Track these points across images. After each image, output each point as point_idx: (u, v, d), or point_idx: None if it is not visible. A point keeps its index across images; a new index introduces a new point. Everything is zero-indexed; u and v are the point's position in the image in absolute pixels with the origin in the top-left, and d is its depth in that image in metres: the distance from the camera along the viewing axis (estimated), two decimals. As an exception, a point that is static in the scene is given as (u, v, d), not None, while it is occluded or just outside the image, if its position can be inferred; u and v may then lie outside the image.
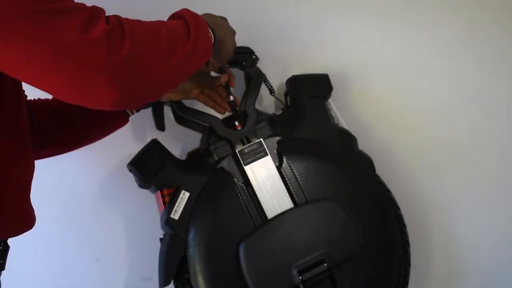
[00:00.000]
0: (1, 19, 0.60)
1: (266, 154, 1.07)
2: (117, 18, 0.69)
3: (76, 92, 0.65)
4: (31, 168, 0.88)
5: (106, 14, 0.68)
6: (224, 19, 1.01)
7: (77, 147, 1.13)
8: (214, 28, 0.88)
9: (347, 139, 1.14)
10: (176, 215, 1.04)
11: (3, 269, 0.84)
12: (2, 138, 0.78)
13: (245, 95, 1.12)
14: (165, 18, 0.98)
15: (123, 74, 0.66)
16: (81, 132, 1.10)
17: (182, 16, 0.81)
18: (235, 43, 1.01)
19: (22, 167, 0.84)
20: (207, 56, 0.85)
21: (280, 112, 1.18)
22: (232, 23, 1.01)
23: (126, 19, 0.70)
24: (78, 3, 0.67)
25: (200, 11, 1.23)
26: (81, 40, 0.62)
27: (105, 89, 0.64)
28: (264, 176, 1.06)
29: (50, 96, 1.09)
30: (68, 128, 1.07)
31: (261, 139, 1.08)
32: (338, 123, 1.17)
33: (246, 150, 1.07)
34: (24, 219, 0.85)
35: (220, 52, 0.94)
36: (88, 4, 0.67)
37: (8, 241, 0.84)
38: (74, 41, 0.62)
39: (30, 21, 0.61)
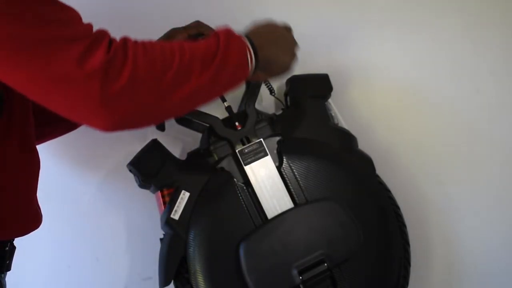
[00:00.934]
0: (2, 48, 0.61)
1: (266, 154, 1.07)
2: (124, 42, 0.67)
3: (72, 117, 0.67)
4: (37, 168, 0.88)
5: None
6: (286, 29, 0.94)
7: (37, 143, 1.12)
8: (260, 48, 0.81)
9: (347, 139, 1.14)
10: (176, 215, 1.04)
11: (9, 269, 0.84)
12: (11, 142, 0.78)
13: (245, 95, 1.12)
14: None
15: (119, 105, 0.65)
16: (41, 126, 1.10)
17: (218, 36, 0.76)
18: (290, 58, 0.91)
19: (29, 167, 0.85)
20: (234, 85, 0.80)
21: (280, 112, 1.18)
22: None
23: (136, 42, 0.68)
24: (81, 28, 0.66)
25: (199, 11, 1.24)
26: (76, 73, 0.62)
27: (98, 119, 0.65)
28: (264, 176, 1.06)
29: None
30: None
31: (261, 139, 1.08)
32: (338, 123, 1.17)
33: (246, 150, 1.07)
34: (31, 220, 0.86)
35: (267, 70, 0.88)
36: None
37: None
38: (69, 74, 0.62)
39: (29, 51, 0.61)
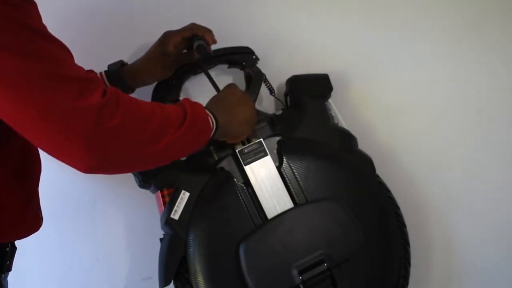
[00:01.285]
0: (4, 74, 0.62)
1: (266, 154, 1.07)
2: (116, 91, 0.71)
3: (55, 151, 0.68)
4: (39, 170, 0.88)
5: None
6: (244, 93, 1.03)
7: None
8: (218, 112, 0.90)
9: (347, 139, 1.14)
10: (176, 215, 1.04)
11: (10, 270, 0.84)
12: (13, 147, 0.78)
13: (245, 95, 1.12)
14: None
15: (106, 143, 0.68)
16: None
17: (183, 105, 0.84)
18: (246, 119, 1.00)
19: (30, 170, 0.85)
20: (203, 140, 0.87)
21: (280, 112, 1.18)
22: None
23: (125, 94, 0.73)
24: (77, 69, 0.69)
25: (199, 12, 1.24)
26: (73, 107, 0.65)
27: (82, 154, 0.67)
28: (264, 176, 1.06)
29: None
30: None
31: (261, 139, 1.08)
32: (338, 123, 1.17)
33: (246, 150, 1.07)
34: (31, 223, 0.86)
35: (230, 131, 0.97)
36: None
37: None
38: (66, 107, 0.64)
39: (31, 82, 0.63)
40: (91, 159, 0.67)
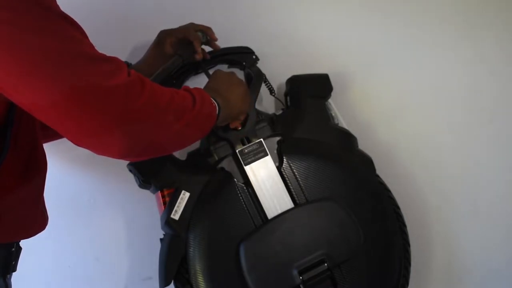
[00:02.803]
0: (32, 55, 0.61)
1: (266, 154, 1.07)
2: (138, 74, 0.72)
3: (88, 137, 0.67)
4: (44, 171, 0.88)
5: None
6: (231, 74, 1.03)
7: None
8: (216, 97, 0.92)
9: (347, 139, 1.15)
10: (176, 215, 1.04)
11: (15, 270, 0.84)
12: (21, 150, 0.78)
13: (245, 95, 1.12)
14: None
15: (138, 123, 0.68)
16: None
17: (188, 90, 0.85)
18: (240, 97, 1.01)
19: (37, 170, 0.85)
20: (211, 122, 0.89)
21: (280, 112, 1.18)
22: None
23: (146, 78, 0.74)
24: (99, 52, 0.69)
25: (200, 11, 1.24)
26: (104, 87, 0.65)
27: (118, 138, 0.67)
28: (264, 176, 1.06)
29: None
30: None
31: (261, 139, 1.08)
32: (338, 123, 1.17)
33: (246, 150, 1.07)
34: (37, 222, 0.86)
35: (230, 112, 0.98)
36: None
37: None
38: (97, 87, 0.64)
39: (63, 63, 0.62)
40: (126, 142, 0.67)
